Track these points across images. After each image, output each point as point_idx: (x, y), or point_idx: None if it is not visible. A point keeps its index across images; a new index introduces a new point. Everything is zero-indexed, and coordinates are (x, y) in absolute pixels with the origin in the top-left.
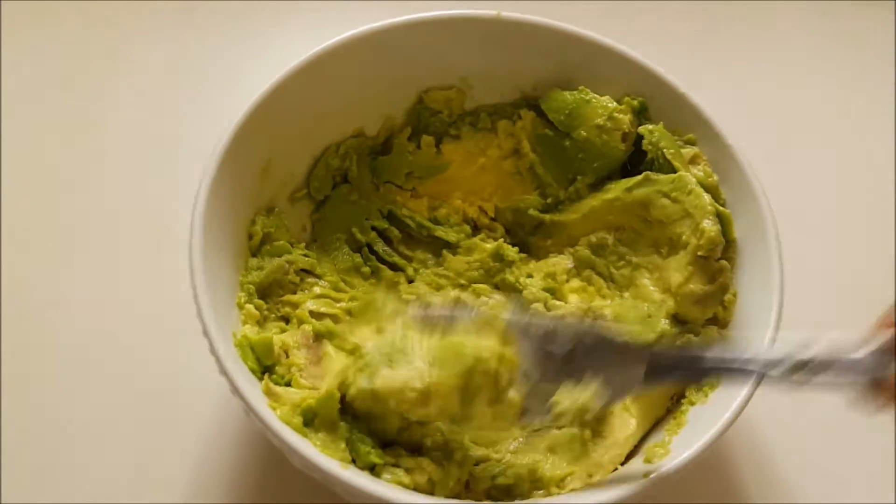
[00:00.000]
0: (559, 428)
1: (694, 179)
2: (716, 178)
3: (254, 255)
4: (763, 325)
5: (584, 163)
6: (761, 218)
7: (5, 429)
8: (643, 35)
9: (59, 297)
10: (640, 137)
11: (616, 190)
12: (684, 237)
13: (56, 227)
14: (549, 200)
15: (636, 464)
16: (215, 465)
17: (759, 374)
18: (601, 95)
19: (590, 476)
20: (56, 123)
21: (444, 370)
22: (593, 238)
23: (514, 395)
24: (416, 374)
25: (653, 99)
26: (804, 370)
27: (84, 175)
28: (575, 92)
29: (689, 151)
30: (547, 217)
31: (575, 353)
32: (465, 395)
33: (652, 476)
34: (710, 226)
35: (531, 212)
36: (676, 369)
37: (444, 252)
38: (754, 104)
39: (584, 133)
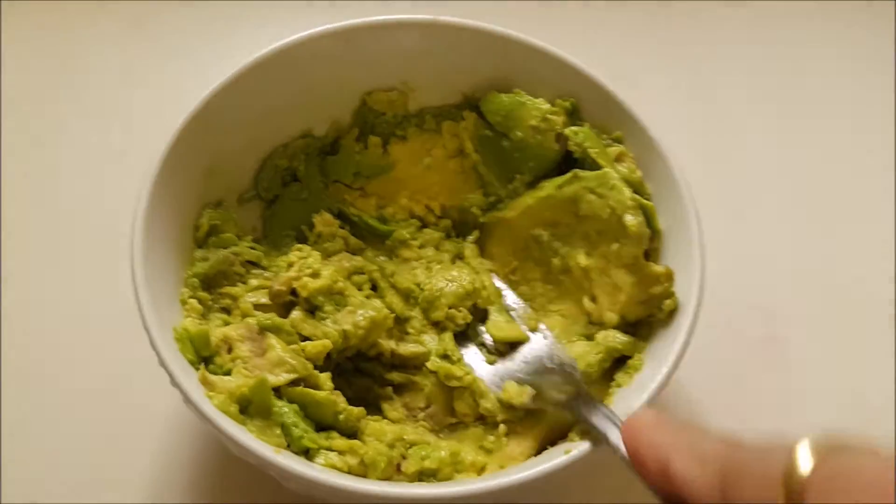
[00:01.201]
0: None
1: (617, 175)
2: (639, 173)
3: (199, 246)
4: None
5: (522, 162)
6: (683, 207)
7: None
8: (582, 35)
9: (7, 304)
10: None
11: (549, 188)
12: (611, 232)
13: (11, 238)
14: (491, 199)
15: (560, 444)
16: (172, 465)
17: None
18: (536, 97)
19: (501, 467)
20: (10, 134)
21: None
22: (532, 232)
23: None
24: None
25: (584, 98)
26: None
27: (30, 181)
28: (511, 94)
29: (614, 150)
30: (488, 216)
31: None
32: None
33: (573, 452)
34: (630, 220)
35: (474, 209)
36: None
37: (398, 248)
38: (699, 104)
39: (520, 134)
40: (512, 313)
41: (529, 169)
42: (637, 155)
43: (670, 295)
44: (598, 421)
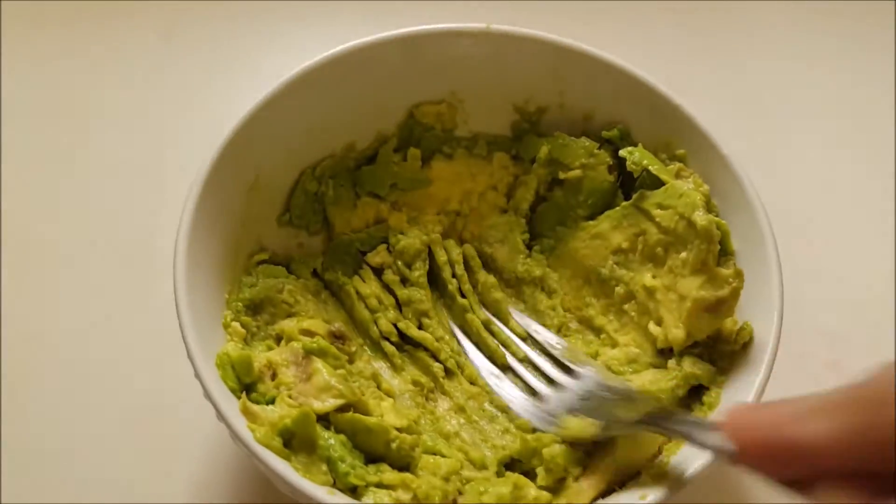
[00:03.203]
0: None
1: (684, 185)
2: (706, 187)
3: (248, 273)
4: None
5: (574, 202)
6: (759, 229)
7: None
8: (633, 42)
9: (48, 326)
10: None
11: (613, 216)
12: (679, 241)
13: (42, 253)
14: (535, 251)
15: (633, 488)
16: (210, 494)
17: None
18: (590, 106)
19: None
20: (39, 148)
21: None
22: (595, 264)
23: None
24: None
25: (639, 113)
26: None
27: (69, 200)
28: (551, 138)
29: (672, 167)
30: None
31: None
32: None
33: (649, 498)
34: (700, 216)
35: (520, 269)
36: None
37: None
38: (748, 109)
39: (573, 173)
40: (554, 352)
41: (587, 206)
42: (702, 173)
43: (737, 295)
44: (687, 430)
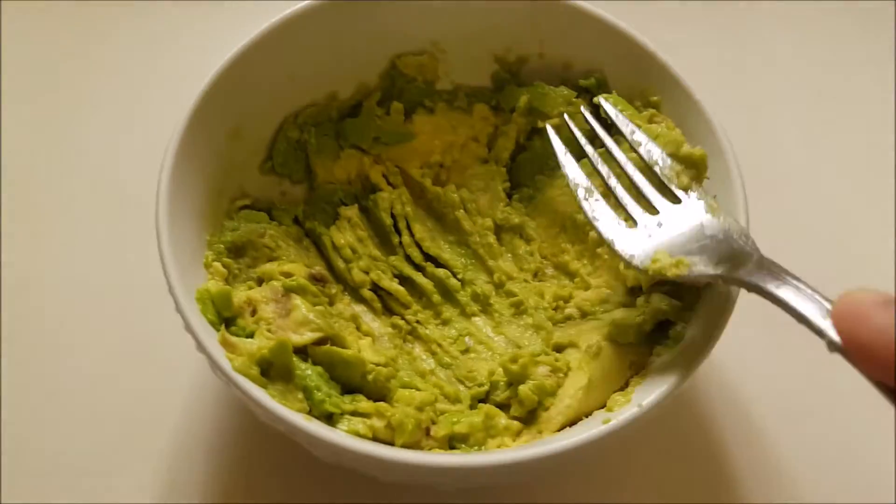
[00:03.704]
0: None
1: (658, 129)
2: (678, 131)
3: (230, 218)
4: None
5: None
6: (729, 173)
7: None
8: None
9: (35, 274)
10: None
11: (587, 163)
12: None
13: (29, 203)
14: (514, 200)
15: (597, 414)
16: (195, 435)
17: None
18: (569, 55)
19: (539, 433)
20: (25, 99)
21: None
22: (570, 211)
23: None
24: None
25: (615, 63)
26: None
27: (50, 149)
28: (531, 87)
29: (646, 113)
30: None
31: None
32: None
33: (611, 423)
34: (689, 148)
35: (499, 217)
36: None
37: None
38: (735, 77)
39: (551, 121)
40: (660, 172)
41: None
42: (675, 119)
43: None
44: (788, 296)
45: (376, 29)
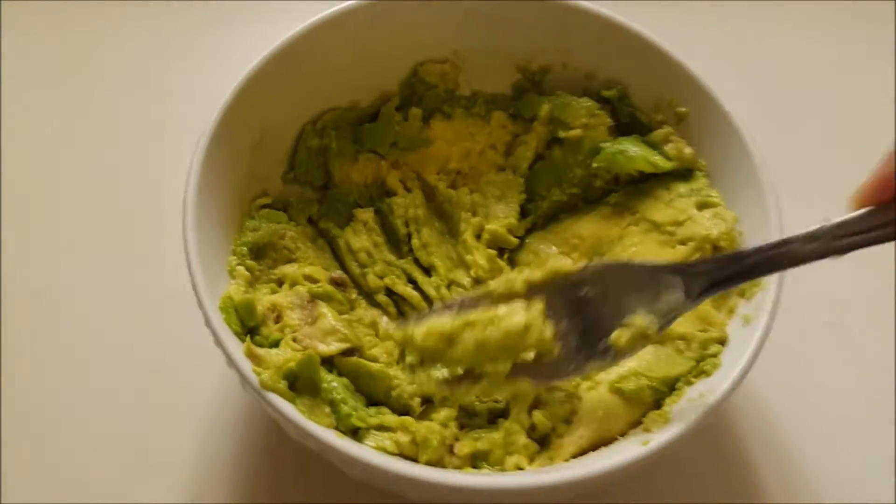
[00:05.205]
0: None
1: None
2: (690, 150)
3: (251, 217)
4: None
5: (575, 160)
6: (760, 184)
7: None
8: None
9: (56, 283)
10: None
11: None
12: None
13: (51, 212)
14: (534, 215)
15: (635, 433)
16: (217, 447)
17: (798, 256)
18: (593, 65)
19: (550, 459)
20: (42, 109)
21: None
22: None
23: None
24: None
25: (647, 67)
26: (841, 233)
27: (77, 158)
28: (552, 97)
29: (661, 132)
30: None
31: (608, 294)
32: (487, 351)
33: (651, 444)
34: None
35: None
36: (717, 276)
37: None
38: (754, 79)
39: (572, 132)
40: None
41: (583, 165)
42: (704, 130)
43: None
44: (773, 254)
45: (399, 37)
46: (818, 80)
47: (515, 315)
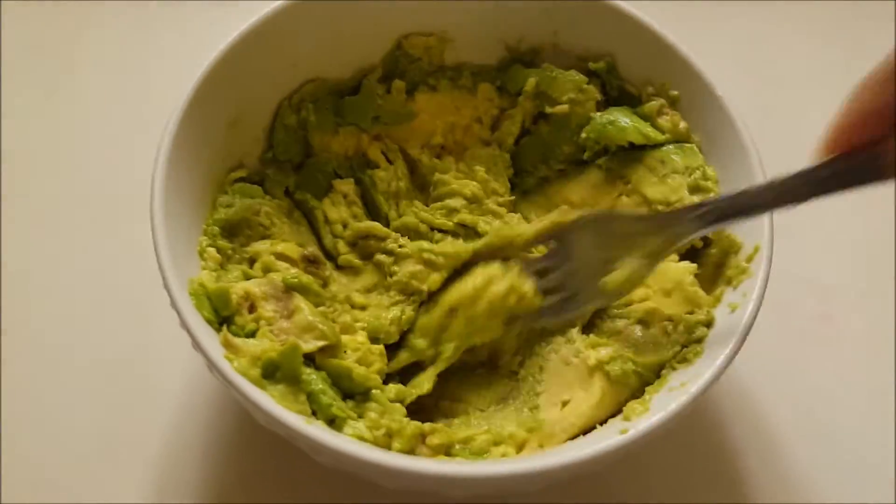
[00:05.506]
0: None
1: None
2: (685, 124)
3: (224, 192)
4: None
5: (563, 136)
6: (751, 169)
7: None
8: None
9: (24, 270)
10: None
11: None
12: None
13: (23, 199)
14: (519, 189)
15: (614, 422)
16: (188, 436)
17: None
18: (584, 47)
19: (541, 446)
20: (20, 92)
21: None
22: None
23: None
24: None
25: (626, 49)
26: (830, 171)
27: (50, 144)
28: (539, 69)
29: (653, 104)
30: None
31: (601, 241)
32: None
33: (630, 432)
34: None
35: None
36: (709, 216)
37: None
38: (753, 72)
39: (559, 108)
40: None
41: (571, 142)
42: (696, 115)
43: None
44: (756, 196)
45: (381, 15)
46: (818, 79)
47: (495, 284)
